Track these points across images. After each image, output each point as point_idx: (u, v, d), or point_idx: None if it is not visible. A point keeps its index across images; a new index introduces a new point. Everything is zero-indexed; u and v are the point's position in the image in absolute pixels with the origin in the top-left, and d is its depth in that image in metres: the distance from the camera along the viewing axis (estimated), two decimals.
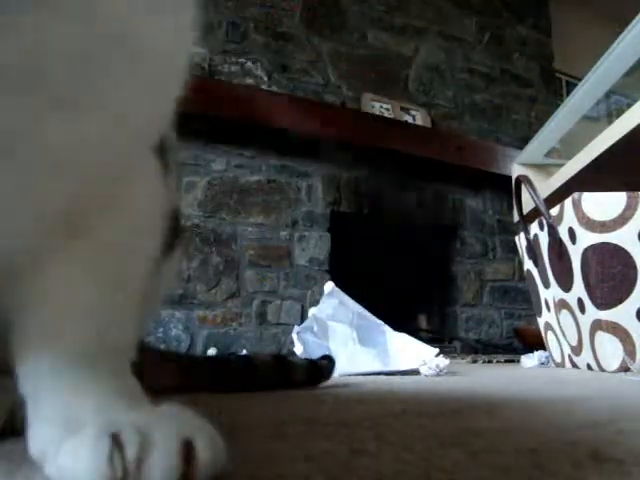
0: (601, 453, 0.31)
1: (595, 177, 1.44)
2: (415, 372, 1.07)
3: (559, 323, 1.29)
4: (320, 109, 2.22)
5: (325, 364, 0.83)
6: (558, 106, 1.80)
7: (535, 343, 1.64)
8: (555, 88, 3.09)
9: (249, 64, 2.23)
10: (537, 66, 3.00)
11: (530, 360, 1.43)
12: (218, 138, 2.03)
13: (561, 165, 1.65)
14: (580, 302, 1.15)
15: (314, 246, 2.15)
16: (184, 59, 0.32)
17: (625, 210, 1.08)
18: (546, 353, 1.45)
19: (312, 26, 2.39)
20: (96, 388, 0.29)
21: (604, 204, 1.10)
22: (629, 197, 1.09)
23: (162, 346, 1.79)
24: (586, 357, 1.17)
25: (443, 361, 1.06)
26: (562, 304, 1.24)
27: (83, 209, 0.30)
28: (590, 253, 1.09)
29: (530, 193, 1.25)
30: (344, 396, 0.72)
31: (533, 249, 1.36)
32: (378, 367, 1.09)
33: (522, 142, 2.40)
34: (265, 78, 2.24)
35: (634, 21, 1.28)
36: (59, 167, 0.27)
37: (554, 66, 3.09)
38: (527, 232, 1.38)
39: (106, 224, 0.32)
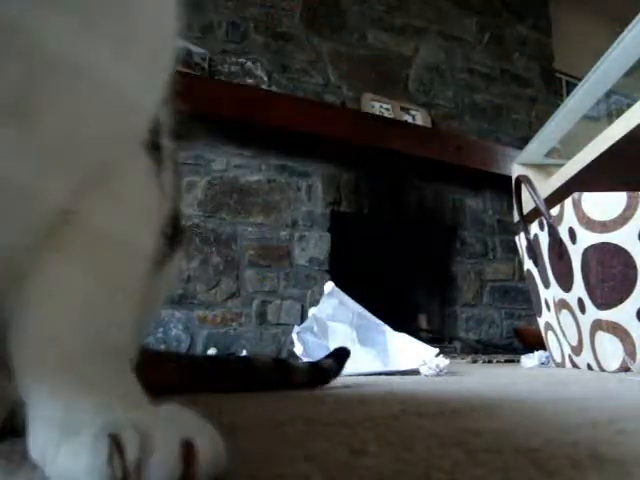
0: (601, 453, 0.31)
1: (595, 177, 1.44)
2: (415, 372, 1.07)
3: (559, 323, 1.29)
4: (320, 109, 2.22)
5: (329, 364, 0.82)
6: (558, 106, 1.79)
7: (535, 343, 1.64)
8: (555, 88, 3.09)
9: (249, 64, 2.23)
10: (537, 66, 3.00)
11: (530, 360, 1.43)
12: (218, 138, 2.03)
13: (561, 165, 1.65)
14: (580, 302, 1.15)
15: (314, 246, 2.15)
16: (168, 56, 0.33)
17: (625, 210, 1.08)
18: (546, 353, 1.45)
19: (312, 26, 2.39)
20: (95, 389, 0.29)
21: (604, 204, 1.10)
22: (629, 197, 1.09)
23: (162, 346, 1.79)
24: (586, 357, 1.17)
25: (443, 361, 1.06)
26: (562, 304, 1.24)
27: (75, 206, 0.30)
28: (590, 253, 1.09)
29: (530, 193, 1.25)
30: (344, 396, 0.72)
31: (533, 249, 1.36)
32: (378, 367, 1.09)
33: (522, 142, 2.40)
34: (265, 78, 2.24)
35: (634, 21, 1.28)
36: (52, 165, 0.27)
37: (554, 66, 3.09)
38: (527, 232, 1.38)
39: (100, 221, 0.32)
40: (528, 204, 1.39)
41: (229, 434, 0.26)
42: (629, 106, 1.27)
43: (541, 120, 2.39)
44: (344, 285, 1.28)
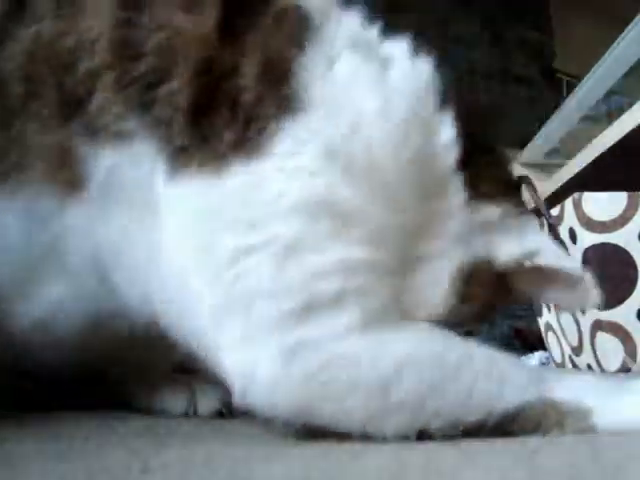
0: (601, 453, 0.31)
1: (596, 177, 1.44)
2: None
3: (559, 323, 1.29)
4: None
5: None
6: (558, 106, 1.80)
7: (535, 343, 1.64)
8: (555, 88, 3.09)
9: None
10: (537, 66, 3.00)
11: (530, 361, 1.43)
12: None
13: (561, 165, 1.65)
14: None
15: None
16: None
17: (625, 210, 1.08)
18: (546, 354, 1.45)
19: None
20: None
21: (604, 204, 1.10)
22: (629, 197, 1.09)
23: None
24: (586, 358, 1.17)
25: None
26: None
27: None
28: (590, 253, 1.09)
29: (530, 193, 1.25)
30: None
31: None
32: None
33: (522, 142, 2.39)
34: None
35: (634, 21, 1.28)
36: None
37: (554, 66, 3.09)
38: None
39: None
40: (528, 204, 1.39)
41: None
42: (629, 106, 1.27)
43: (541, 120, 2.39)
44: None
